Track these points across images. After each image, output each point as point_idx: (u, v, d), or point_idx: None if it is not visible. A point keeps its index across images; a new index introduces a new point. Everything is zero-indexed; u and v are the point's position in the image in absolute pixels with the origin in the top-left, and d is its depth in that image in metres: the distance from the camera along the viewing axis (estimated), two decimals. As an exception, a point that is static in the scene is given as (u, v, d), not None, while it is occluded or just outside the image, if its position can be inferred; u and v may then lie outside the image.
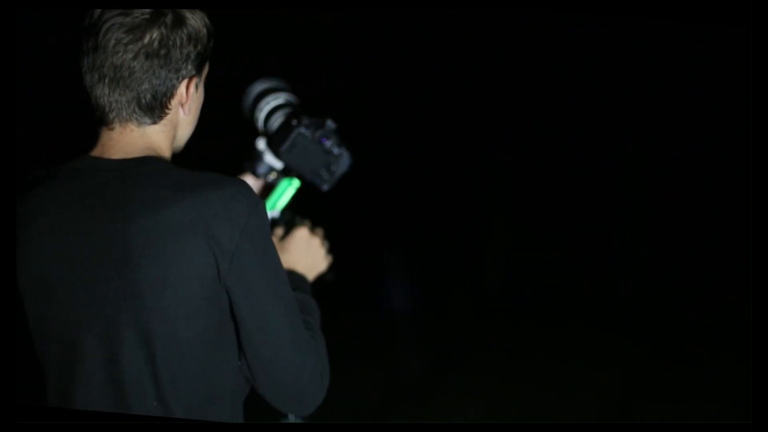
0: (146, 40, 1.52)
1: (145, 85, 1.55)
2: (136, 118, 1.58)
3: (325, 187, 1.93)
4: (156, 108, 1.58)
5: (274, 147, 1.91)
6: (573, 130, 6.98)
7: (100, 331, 1.53)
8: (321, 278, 1.91)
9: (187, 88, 1.59)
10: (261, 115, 1.96)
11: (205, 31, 1.59)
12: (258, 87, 1.98)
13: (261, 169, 1.97)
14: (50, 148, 5.11)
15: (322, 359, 1.63)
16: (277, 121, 1.95)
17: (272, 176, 1.98)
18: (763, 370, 1.80)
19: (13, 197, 1.68)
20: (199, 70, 1.61)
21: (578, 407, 4.56)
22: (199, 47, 1.58)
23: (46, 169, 1.62)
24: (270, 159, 1.96)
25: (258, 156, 1.97)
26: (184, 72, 1.58)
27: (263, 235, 1.53)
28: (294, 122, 1.89)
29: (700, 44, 6.06)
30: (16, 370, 1.81)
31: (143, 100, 1.56)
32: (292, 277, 1.75)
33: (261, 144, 1.96)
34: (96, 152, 1.61)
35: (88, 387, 1.56)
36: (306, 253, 1.87)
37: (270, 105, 1.96)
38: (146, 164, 1.55)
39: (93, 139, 1.64)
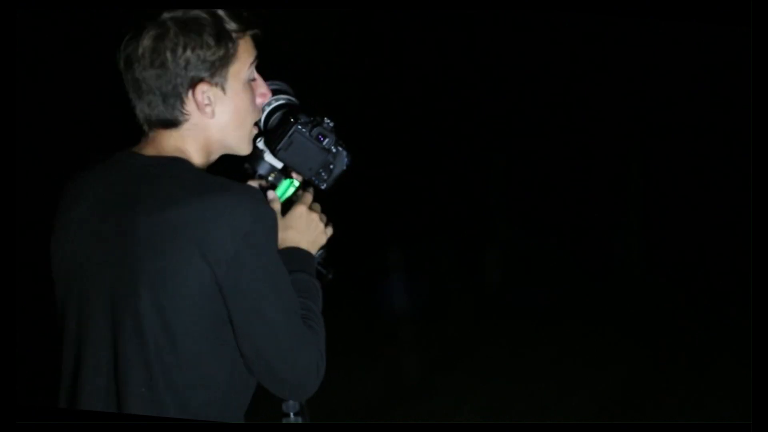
0: (141, 51, 1.59)
1: (153, 95, 1.61)
2: (159, 125, 1.64)
3: (324, 186, 1.92)
4: (169, 114, 1.63)
5: (272, 145, 1.91)
6: (573, 130, 6.99)
7: (106, 316, 1.59)
8: (321, 277, 1.90)
9: (197, 92, 1.62)
10: (262, 116, 1.96)
11: (211, 35, 1.61)
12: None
13: (261, 169, 1.97)
14: (50, 148, 5.12)
15: (318, 350, 1.65)
16: (276, 120, 1.95)
17: (272, 176, 1.97)
18: (763, 370, 1.80)
19: (13, 197, 1.70)
20: (212, 74, 1.63)
21: (578, 407, 4.56)
22: (200, 52, 1.60)
23: (95, 160, 1.69)
24: (270, 158, 1.95)
25: (258, 155, 1.97)
26: (187, 78, 1.61)
27: (266, 242, 1.57)
28: (291, 120, 1.89)
29: (700, 44, 6.06)
30: (16, 370, 1.81)
31: (156, 109, 1.62)
32: (296, 255, 1.78)
33: (261, 143, 1.96)
34: (136, 148, 1.67)
35: (93, 370, 1.61)
36: (307, 229, 1.86)
37: (271, 105, 1.96)
38: (170, 164, 1.61)
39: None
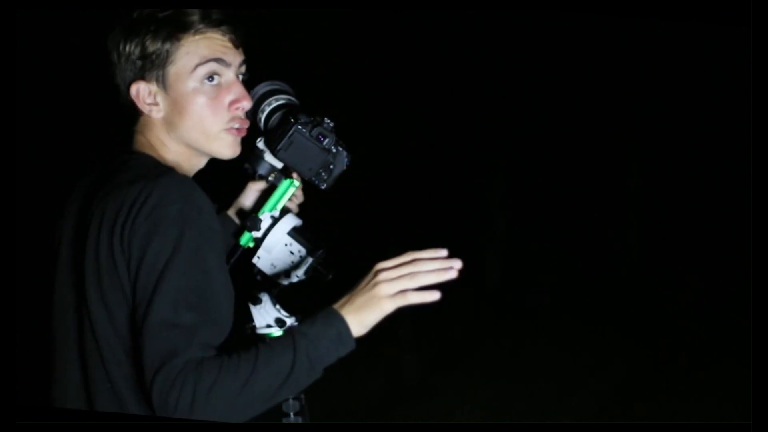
0: (108, 47, 1.69)
1: (117, 88, 1.71)
2: (128, 118, 1.72)
3: (324, 187, 1.92)
4: (125, 109, 1.71)
5: (272, 145, 1.91)
6: (573, 130, 6.99)
7: (73, 312, 1.62)
8: (321, 277, 1.90)
9: (131, 89, 1.68)
10: (262, 116, 1.96)
11: (150, 35, 1.65)
12: (261, 89, 1.97)
13: (262, 169, 1.97)
14: (50, 148, 5.11)
15: (184, 360, 1.42)
16: (276, 120, 1.94)
17: (273, 176, 1.97)
18: (763, 370, 1.80)
19: (13, 197, 1.71)
20: (146, 73, 1.66)
21: (578, 407, 4.56)
22: (135, 50, 1.66)
23: (102, 157, 1.75)
24: (270, 158, 1.95)
25: (258, 155, 1.97)
26: (128, 76, 1.68)
27: (171, 223, 1.48)
28: (291, 120, 1.89)
29: (700, 44, 6.06)
30: (16, 370, 1.82)
31: (120, 101, 1.72)
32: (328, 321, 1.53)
33: (261, 143, 1.96)
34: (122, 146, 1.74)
35: (63, 366, 1.65)
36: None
37: (271, 106, 1.96)
38: (133, 157, 1.68)
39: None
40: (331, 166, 1.91)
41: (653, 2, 2.18)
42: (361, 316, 1.53)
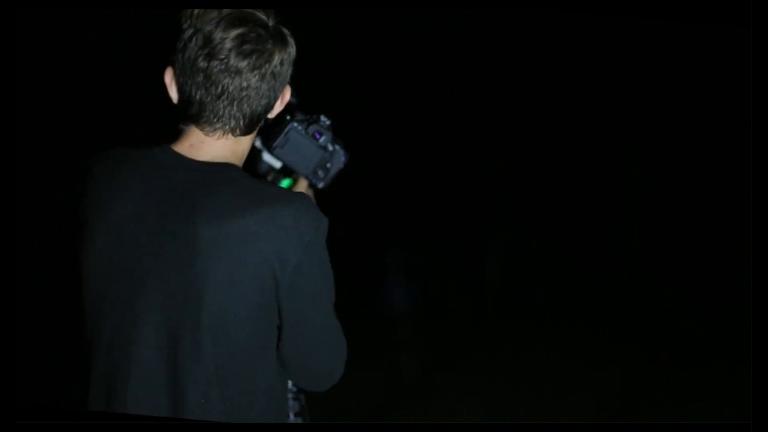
0: (274, 62, 1.59)
1: (264, 102, 1.61)
2: (239, 129, 1.63)
3: (321, 185, 1.92)
4: (260, 120, 1.65)
5: (268, 143, 1.90)
6: (573, 130, 6.99)
7: (159, 321, 1.57)
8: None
9: (283, 99, 1.67)
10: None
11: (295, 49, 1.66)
12: None
13: (260, 168, 1.97)
14: (50, 148, 5.12)
15: (344, 341, 1.71)
16: (273, 118, 1.94)
17: (272, 175, 1.97)
18: (763, 370, 1.80)
19: (13, 197, 1.69)
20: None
21: (578, 407, 4.56)
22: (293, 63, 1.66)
23: (128, 153, 1.65)
24: (268, 157, 1.95)
25: (256, 154, 1.96)
26: (284, 87, 1.65)
27: (323, 248, 1.61)
28: (287, 118, 1.88)
29: (700, 44, 6.06)
30: (16, 370, 1.81)
31: (255, 116, 1.62)
32: None
33: (258, 142, 1.96)
34: (182, 148, 1.64)
35: (139, 379, 1.59)
36: None
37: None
38: (225, 171, 1.61)
39: (174, 131, 1.67)
40: (328, 165, 1.91)
41: (653, 2, 2.17)
42: None
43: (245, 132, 1.64)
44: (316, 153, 1.89)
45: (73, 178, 1.70)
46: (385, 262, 6.19)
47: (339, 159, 1.91)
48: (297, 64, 1.67)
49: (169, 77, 1.63)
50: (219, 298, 1.53)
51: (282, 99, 1.66)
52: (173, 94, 1.63)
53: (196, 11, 1.58)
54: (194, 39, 1.57)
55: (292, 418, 1.92)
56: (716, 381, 4.79)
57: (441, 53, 6.69)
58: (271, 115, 1.67)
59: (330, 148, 1.90)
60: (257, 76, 1.58)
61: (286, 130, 1.87)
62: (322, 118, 1.90)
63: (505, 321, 5.83)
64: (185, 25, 1.58)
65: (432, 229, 6.66)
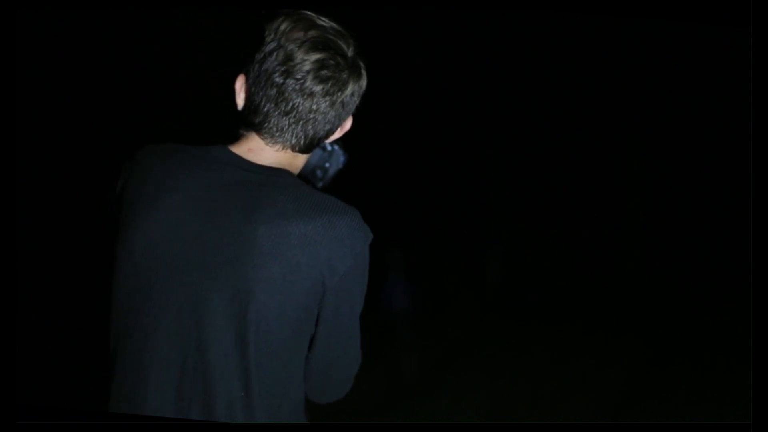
0: (346, 92, 1.66)
1: (327, 128, 1.67)
2: (298, 147, 1.68)
3: (320, 185, 1.92)
4: (319, 144, 1.70)
5: None
6: (573, 129, 6.99)
7: (200, 315, 1.59)
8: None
9: (343, 126, 1.72)
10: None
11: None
12: None
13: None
14: (50, 148, 5.12)
15: (359, 358, 1.82)
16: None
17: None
18: (763, 370, 1.80)
19: (12, 197, 1.69)
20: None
21: (578, 407, 4.56)
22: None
23: (180, 147, 1.68)
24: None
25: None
26: (348, 116, 1.72)
27: (368, 261, 1.68)
28: None
29: (700, 44, 6.06)
30: (16, 370, 1.81)
31: (315, 138, 1.67)
32: None
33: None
34: (240, 151, 1.67)
35: (172, 371, 1.61)
36: None
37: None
38: (282, 176, 1.65)
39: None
40: (327, 164, 1.91)
41: (653, 2, 2.18)
42: None
43: (303, 151, 1.68)
44: (314, 153, 1.89)
45: (112, 170, 1.71)
46: (385, 262, 6.19)
47: (338, 159, 1.91)
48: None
49: (239, 84, 1.67)
50: (270, 294, 1.57)
51: (342, 128, 1.71)
52: (240, 101, 1.67)
53: (282, 27, 1.63)
54: (275, 54, 1.61)
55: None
56: (716, 381, 4.79)
57: (441, 53, 6.68)
58: (329, 140, 1.72)
59: (329, 147, 1.90)
60: (328, 102, 1.63)
61: None
62: None
63: (505, 321, 5.82)
64: (269, 38, 1.63)
65: (432, 229, 6.65)
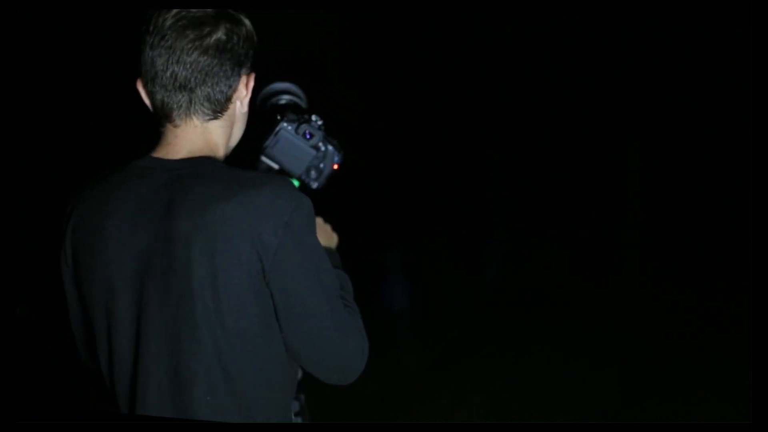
0: (216, 35, 1.59)
1: (214, 80, 1.61)
2: (202, 114, 1.63)
3: (315, 186, 1.92)
4: (221, 103, 1.64)
5: (261, 143, 1.91)
6: (572, 129, 6.99)
7: (160, 326, 1.58)
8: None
9: (247, 84, 1.67)
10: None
11: (253, 31, 1.67)
12: (267, 90, 1.98)
13: (259, 168, 1.97)
14: (50, 149, 5.12)
15: (361, 333, 1.70)
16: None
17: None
18: (763, 370, 1.80)
19: (13, 197, 1.70)
20: (251, 69, 1.69)
21: (578, 407, 4.56)
22: (254, 45, 1.66)
23: (114, 170, 1.67)
24: (265, 159, 1.95)
25: (255, 156, 1.97)
26: (245, 68, 1.65)
27: (307, 229, 1.59)
28: (278, 118, 1.89)
29: (700, 44, 6.06)
30: (16, 370, 1.81)
31: (211, 96, 1.62)
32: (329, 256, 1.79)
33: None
34: (160, 152, 1.66)
35: (149, 379, 1.60)
36: (321, 232, 1.88)
37: (273, 105, 1.96)
38: (202, 164, 1.62)
39: (155, 137, 1.68)
40: (321, 165, 1.91)
41: (653, 2, 2.18)
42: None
43: (211, 117, 1.64)
44: (308, 153, 1.89)
45: (64, 206, 1.71)
46: (384, 262, 6.19)
47: (332, 159, 1.91)
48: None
49: (139, 87, 1.66)
50: (208, 289, 1.54)
51: (247, 83, 1.66)
52: (147, 102, 1.66)
53: (150, 23, 1.63)
54: (146, 42, 1.61)
55: (292, 418, 1.92)
56: (716, 381, 4.79)
57: (440, 52, 6.68)
58: (242, 102, 1.67)
59: (323, 147, 1.90)
60: (199, 51, 1.59)
61: (277, 130, 1.88)
62: (314, 117, 1.90)
63: (504, 321, 5.82)
64: (144, 38, 1.63)
65: (432, 229, 6.65)
